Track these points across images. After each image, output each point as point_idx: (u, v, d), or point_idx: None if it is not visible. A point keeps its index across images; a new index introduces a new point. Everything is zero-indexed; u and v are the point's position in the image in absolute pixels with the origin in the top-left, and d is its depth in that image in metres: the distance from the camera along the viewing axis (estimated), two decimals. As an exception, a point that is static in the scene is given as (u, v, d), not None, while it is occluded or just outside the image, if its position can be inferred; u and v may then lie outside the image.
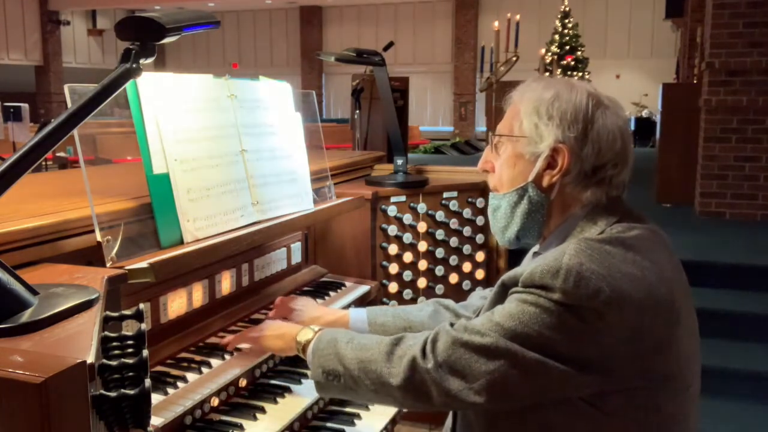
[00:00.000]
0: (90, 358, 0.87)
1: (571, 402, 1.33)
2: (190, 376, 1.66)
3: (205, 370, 1.70)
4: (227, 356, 1.79)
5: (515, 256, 1.70)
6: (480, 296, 1.95)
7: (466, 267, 2.72)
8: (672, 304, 1.35)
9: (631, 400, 1.32)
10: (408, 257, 2.58)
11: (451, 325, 1.42)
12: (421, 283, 2.63)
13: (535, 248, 1.58)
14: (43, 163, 8.53)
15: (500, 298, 1.41)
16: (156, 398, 1.54)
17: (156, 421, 1.45)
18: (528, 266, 1.35)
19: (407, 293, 2.60)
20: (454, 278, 2.70)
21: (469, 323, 1.38)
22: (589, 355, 1.29)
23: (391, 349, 1.45)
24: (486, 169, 1.57)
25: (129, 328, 1.15)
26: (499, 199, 1.53)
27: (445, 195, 2.67)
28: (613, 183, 1.44)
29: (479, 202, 2.73)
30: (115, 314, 1.13)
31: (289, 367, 1.92)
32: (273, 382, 1.85)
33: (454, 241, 2.67)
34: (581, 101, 1.42)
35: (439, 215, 2.64)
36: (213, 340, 1.88)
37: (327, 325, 1.94)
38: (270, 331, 1.75)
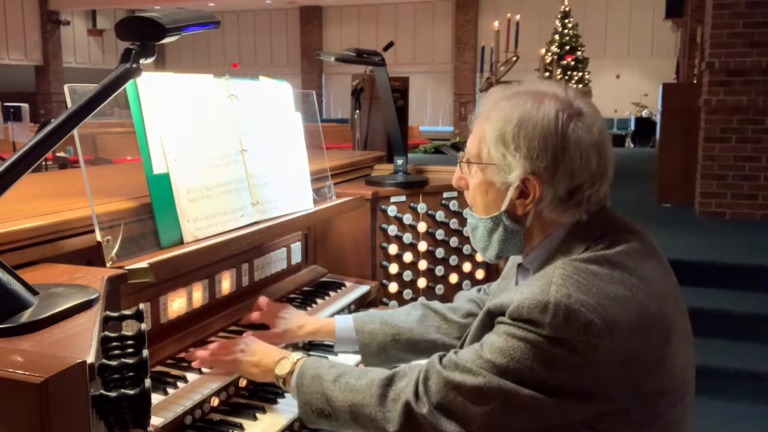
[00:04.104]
0: (90, 358, 0.87)
1: (569, 425, 1.31)
2: (190, 376, 1.66)
3: (205, 370, 1.70)
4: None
5: (515, 257, 1.69)
6: (467, 298, 1.91)
7: (466, 267, 2.72)
8: (664, 319, 1.33)
9: (627, 418, 1.31)
10: (408, 257, 2.58)
11: (441, 359, 1.38)
12: (421, 283, 2.63)
13: (519, 259, 1.54)
14: (43, 163, 8.52)
15: (487, 327, 1.38)
16: (156, 398, 1.54)
17: (156, 421, 1.45)
18: (515, 296, 1.31)
19: (407, 293, 2.60)
20: (454, 278, 2.70)
21: (460, 359, 1.34)
22: (584, 385, 1.27)
23: (384, 391, 1.40)
24: (460, 185, 1.54)
25: (129, 328, 1.15)
26: (477, 220, 1.50)
27: (445, 195, 2.67)
28: (592, 200, 1.39)
29: (479, 202, 2.72)
30: (115, 314, 1.13)
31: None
32: (273, 382, 1.85)
33: (454, 241, 2.67)
34: (549, 123, 1.34)
35: (439, 215, 2.64)
36: (213, 340, 1.88)
37: (312, 333, 1.91)
38: (246, 356, 1.69)
